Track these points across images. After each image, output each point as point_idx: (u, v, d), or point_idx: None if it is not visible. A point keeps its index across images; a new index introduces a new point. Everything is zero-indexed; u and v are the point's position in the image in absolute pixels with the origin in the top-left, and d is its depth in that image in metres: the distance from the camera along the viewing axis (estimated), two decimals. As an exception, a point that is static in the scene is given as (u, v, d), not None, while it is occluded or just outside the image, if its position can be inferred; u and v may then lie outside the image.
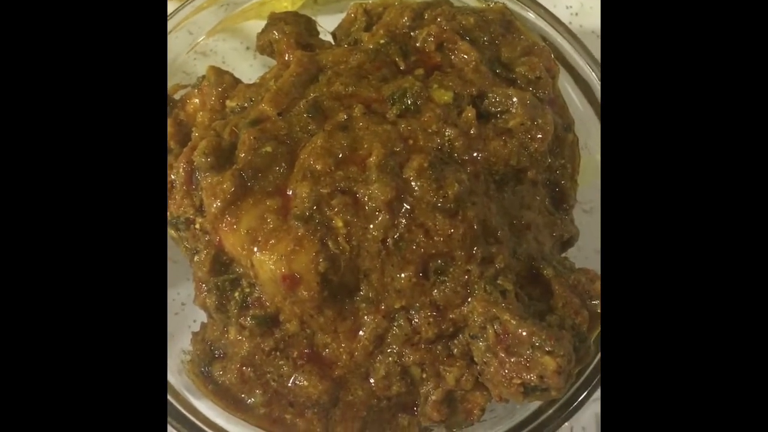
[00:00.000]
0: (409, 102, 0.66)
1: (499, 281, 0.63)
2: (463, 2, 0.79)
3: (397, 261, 0.62)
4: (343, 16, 0.79)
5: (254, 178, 0.64)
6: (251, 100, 0.71)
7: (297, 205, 0.62)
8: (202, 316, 0.72)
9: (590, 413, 0.79)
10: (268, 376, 0.67)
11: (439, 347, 0.65)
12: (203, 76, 0.76)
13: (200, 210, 0.68)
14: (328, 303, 0.63)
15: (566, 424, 0.67)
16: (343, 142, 0.64)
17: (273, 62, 0.78)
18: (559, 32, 0.78)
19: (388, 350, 0.65)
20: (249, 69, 0.87)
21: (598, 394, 0.66)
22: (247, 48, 0.89)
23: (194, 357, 0.71)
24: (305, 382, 0.66)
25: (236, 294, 0.66)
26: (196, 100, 0.75)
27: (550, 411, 0.67)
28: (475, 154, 0.66)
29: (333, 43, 0.78)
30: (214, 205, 0.64)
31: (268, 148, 0.64)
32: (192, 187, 0.68)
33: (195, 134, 0.71)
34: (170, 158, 0.71)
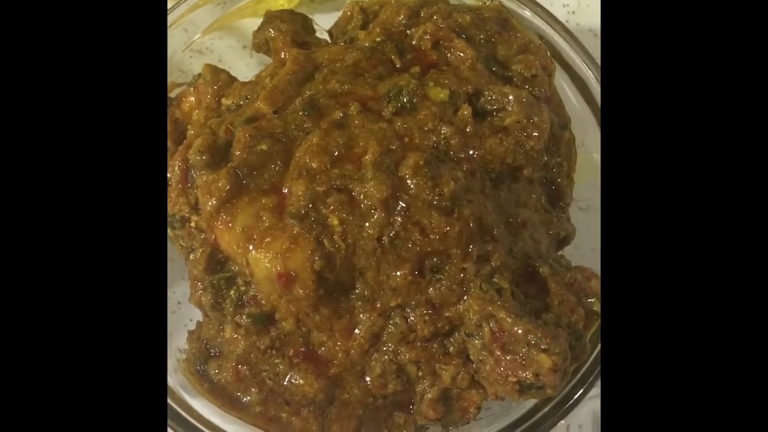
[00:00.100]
0: (405, 100, 0.66)
1: (495, 279, 0.63)
2: (459, 0, 0.79)
3: (392, 259, 0.62)
4: (339, 14, 0.79)
5: (249, 176, 0.64)
6: (247, 98, 0.71)
7: (292, 203, 0.62)
8: (198, 315, 0.72)
9: (586, 411, 0.79)
10: (264, 374, 0.67)
11: (434, 345, 0.65)
12: (199, 74, 0.76)
13: (195, 208, 0.68)
14: (323, 301, 0.63)
15: (562, 422, 0.67)
16: (339, 140, 0.64)
17: (269, 60, 0.77)
18: (555, 30, 0.78)
19: (384, 348, 0.65)
20: (245, 67, 0.87)
21: (594, 391, 0.66)
22: (244, 46, 0.89)
23: (190, 355, 0.71)
24: (301, 381, 0.65)
25: (232, 292, 0.66)
26: (192, 98, 0.75)
27: (546, 409, 0.67)
28: (471, 152, 0.66)
29: (329, 41, 0.78)
30: (210, 203, 0.64)
31: (264, 146, 0.64)
32: (187, 185, 0.68)
33: (190, 132, 0.71)
34: (166, 156, 0.71)
